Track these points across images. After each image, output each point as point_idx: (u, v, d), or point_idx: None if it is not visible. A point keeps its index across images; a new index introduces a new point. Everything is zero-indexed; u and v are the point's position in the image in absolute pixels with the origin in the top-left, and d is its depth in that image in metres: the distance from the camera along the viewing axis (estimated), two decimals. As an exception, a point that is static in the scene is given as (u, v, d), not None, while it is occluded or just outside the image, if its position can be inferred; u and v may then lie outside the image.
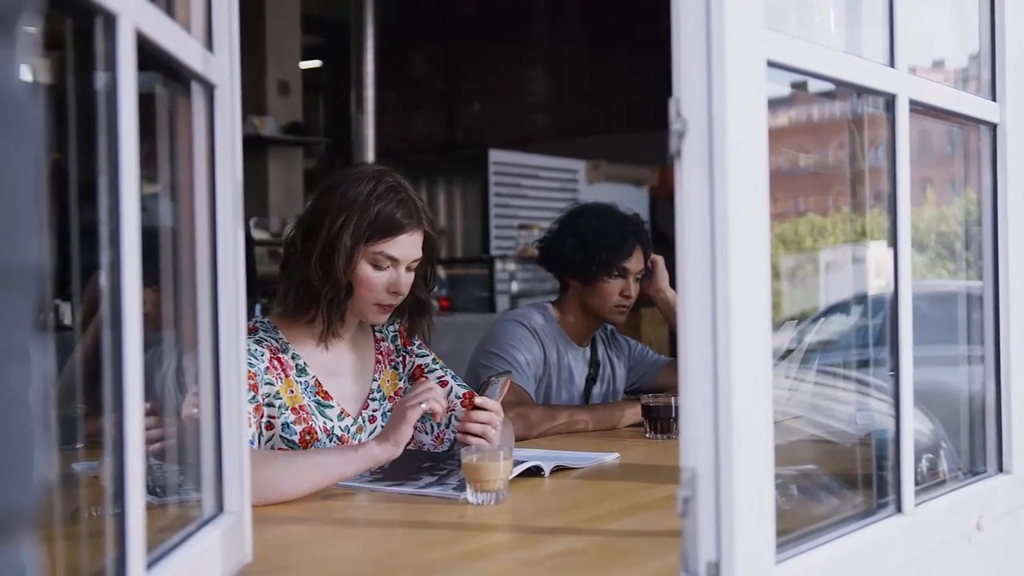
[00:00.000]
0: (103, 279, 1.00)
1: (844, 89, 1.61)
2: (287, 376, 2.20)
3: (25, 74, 0.58)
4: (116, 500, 1.03)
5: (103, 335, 1.03)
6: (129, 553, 1.01)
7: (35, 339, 0.57)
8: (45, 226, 0.59)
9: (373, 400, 2.34)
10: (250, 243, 4.72)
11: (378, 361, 2.38)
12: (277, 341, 2.22)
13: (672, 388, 2.99)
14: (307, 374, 2.23)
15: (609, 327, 3.20)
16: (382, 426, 2.30)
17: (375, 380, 2.35)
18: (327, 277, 2.17)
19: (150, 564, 1.09)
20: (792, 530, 1.33)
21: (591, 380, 3.14)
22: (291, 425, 2.16)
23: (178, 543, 1.22)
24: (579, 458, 2.28)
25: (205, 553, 1.26)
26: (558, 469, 2.18)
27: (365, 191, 2.18)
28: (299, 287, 2.20)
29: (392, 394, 2.37)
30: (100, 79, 1.02)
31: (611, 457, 2.35)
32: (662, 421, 2.65)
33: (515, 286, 7.57)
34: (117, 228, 1.00)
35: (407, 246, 2.22)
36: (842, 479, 1.71)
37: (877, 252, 1.89)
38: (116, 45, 1.01)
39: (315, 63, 10.47)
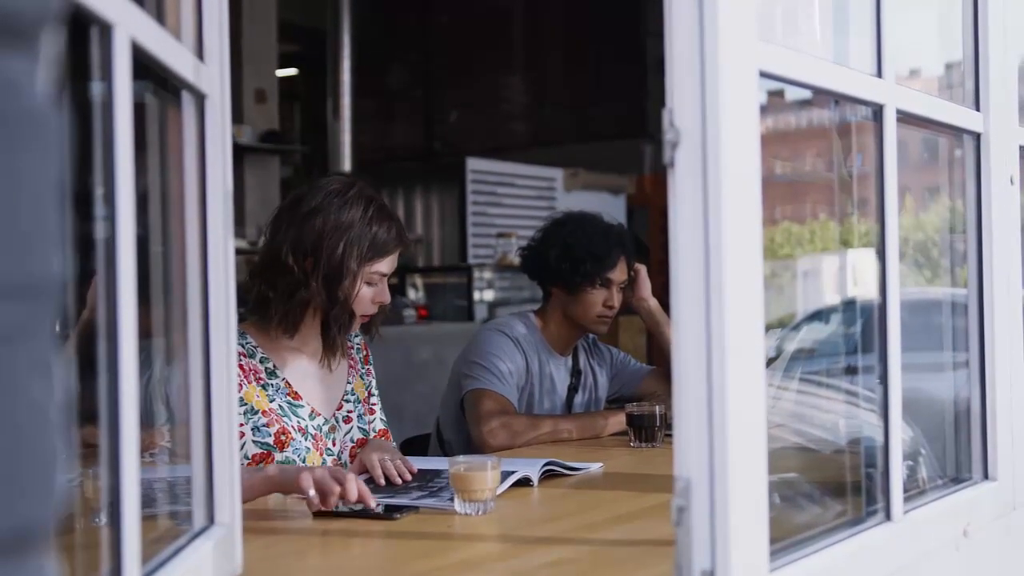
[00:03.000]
0: (99, 290, 1.00)
1: (823, 97, 1.62)
2: (250, 383, 2.24)
3: (47, 86, 0.57)
4: (105, 512, 1.03)
5: (88, 343, 1.02)
6: (124, 566, 1.00)
7: (56, 352, 0.57)
8: (66, 239, 0.58)
9: (348, 401, 2.41)
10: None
11: (351, 366, 2.45)
12: (243, 346, 2.25)
13: (655, 396, 2.99)
14: (277, 376, 2.28)
15: (591, 336, 3.20)
16: (358, 427, 2.40)
17: (349, 383, 2.42)
18: (333, 301, 2.24)
19: (144, 577, 1.08)
20: (784, 538, 1.34)
21: (573, 389, 3.14)
22: (262, 428, 2.20)
23: (171, 555, 1.21)
24: (567, 464, 2.28)
25: (197, 565, 1.26)
26: (548, 475, 2.18)
27: (359, 213, 2.26)
28: (299, 308, 2.26)
29: (363, 399, 2.45)
30: (95, 88, 1.02)
31: (596, 467, 2.35)
32: (646, 430, 2.65)
33: (493, 294, 7.56)
34: (113, 238, 1.00)
35: (394, 261, 2.33)
36: (830, 487, 1.71)
37: (856, 260, 1.90)
38: (112, 55, 1.00)
39: (291, 71, 10.45)
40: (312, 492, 1.82)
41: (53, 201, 0.57)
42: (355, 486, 1.84)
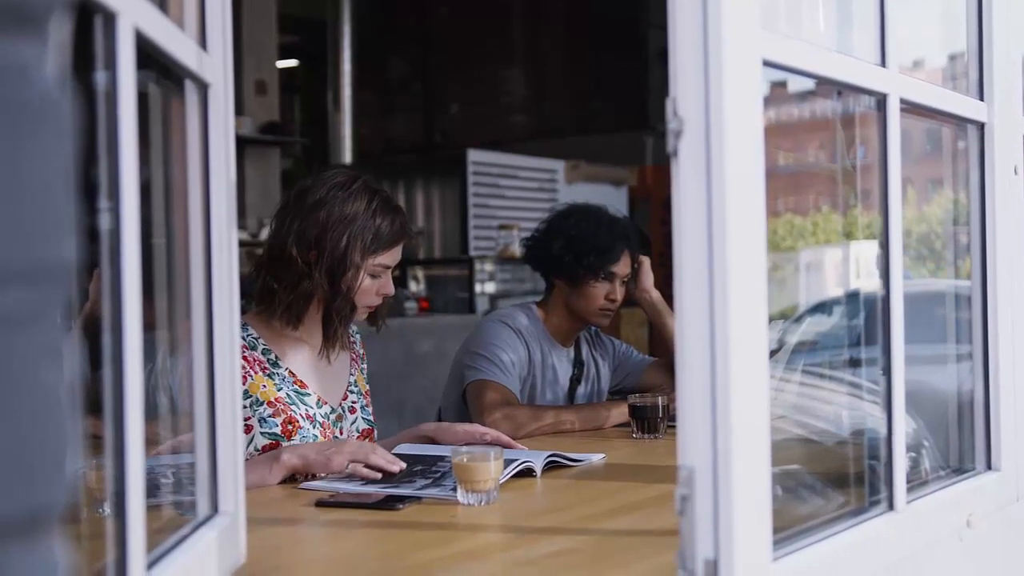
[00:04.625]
0: (104, 280, 1.00)
1: (826, 88, 1.61)
2: (257, 373, 2.25)
3: (57, 71, 0.58)
4: (109, 502, 1.03)
5: (98, 336, 1.02)
6: (130, 554, 1.00)
7: (66, 337, 0.57)
8: (77, 224, 0.59)
9: (352, 392, 2.43)
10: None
11: (353, 359, 2.47)
12: (245, 338, 2.26)
13: (657, 388, 3.00)
14: (280, 367, 2.30)
15: (593, 327, 3.20)
16: (362, 418, 2.43)
17: (351, 375, 2.45)
18: (335, 292, 2.26)
19: (149, 565, 1.08)
20: (787, 528, 1.34)
21: (575, 380, 3.14)
22: (269, 419, 2.22)
23: (175, 544, 1.21)
24: (568, 456, 2.28)
25: (202, 554, 1.26)
26: (550, 466, 2.19)
27: (363, 206, 2.27)
28: (303, 299, 2.27)
29: (364, 393, 2.48)
30: (99, 77, 1.01)
31: (598, 458, 2.36)
32: (649, 421, 2.66)
33: (495, 287, 7.56)
34: (118, 228, 1.00)
35: (399, 252, 2.35)
36: (833, 478, 1.71)
37: (860, 251, 1.90)
38: (116, 44, 1.00)
39: (292, 62, 10.44)
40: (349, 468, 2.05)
41: (64, 186, 0.57)
42: (384, 455, 2.07)
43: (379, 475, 2.04)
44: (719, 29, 1.16)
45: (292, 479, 2.09)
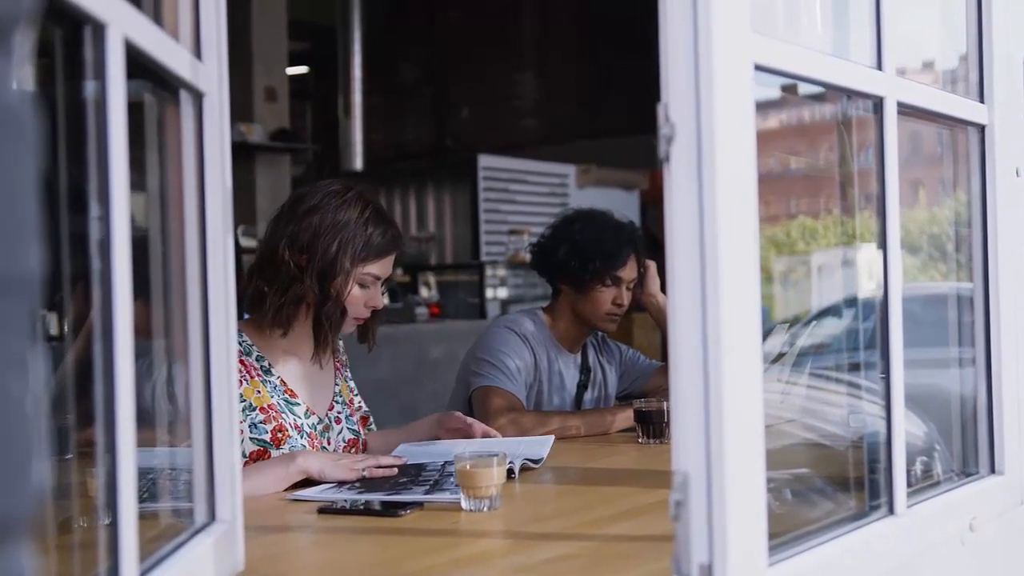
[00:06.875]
0: (94, 289, 1.00)
1: (833, 92, 1.61)
2: (252, 378, 2.28)
3: (21, 83, 0.58)
4: (106, 510, 1.03)
5: (93, 345, 1.03)
6: (122, 562, 1.01)
7: (33, 348, 0.57)
8: (42, 235, 0.59)
9: (337, 403, 2.46)
10: (238, 251, 4.77)
11: (337, 369, 2.49)
12: (240, 344, 2.28)
13: (664, 392, 2.99)
14: (273, 375, 2.32)
15: (600, 332, 3.20)
16: (347, 428, 2.45)
17: (336, 385, 2.47)
18: (325, 297, 2.28)
19: (143, 573, 1.08)
20: (785, 533, 1.33)
21: (582, 386, 3.13)
22: (260, 425, 2.24)
23: (171, 552, 1.22)
24: (532, 458, 2.28)
25: (198, 562, 1.26)
26: (524, 468, 2.22)
27: (355, 215, 2.30)
28: (293, 303, 2.29)
29: (347, 402, 2.49)
30: (89, 87, 1.02)
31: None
32: (654, 426, 2.65)
33: (506, 292, 7.55)
34: (108, 238, 1.00)
35: (390, 265, 2.37)
36: (835, 482, 1.71)
37: (868, 255, 1.90)
38: (105, 54, 1.01)
39: (302, 69, 10.46)
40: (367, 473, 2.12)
41: (29, 197, 0.57)
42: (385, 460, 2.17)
43: (395, 471, 2.14)
44: (709, 33, 1.16)
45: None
